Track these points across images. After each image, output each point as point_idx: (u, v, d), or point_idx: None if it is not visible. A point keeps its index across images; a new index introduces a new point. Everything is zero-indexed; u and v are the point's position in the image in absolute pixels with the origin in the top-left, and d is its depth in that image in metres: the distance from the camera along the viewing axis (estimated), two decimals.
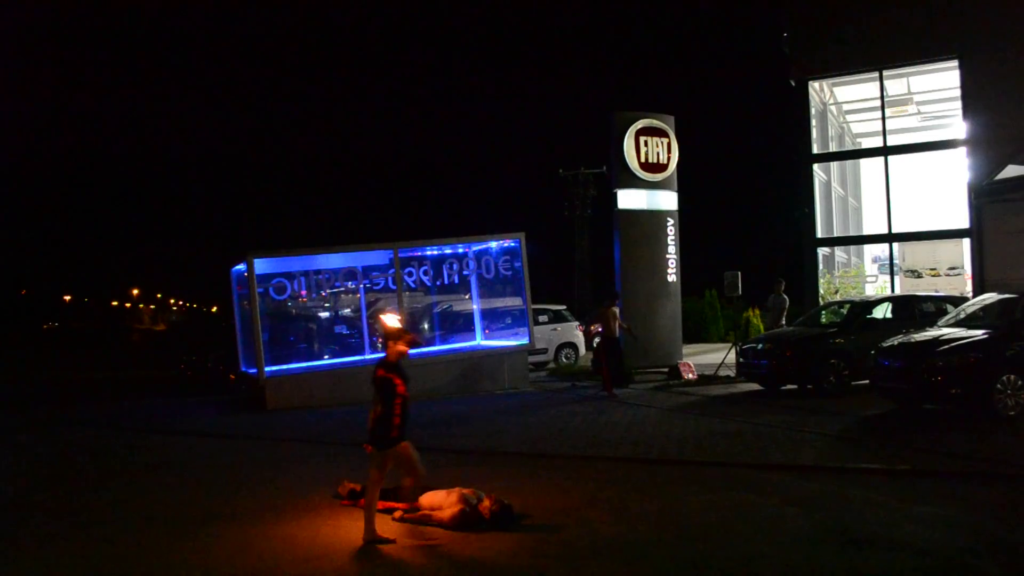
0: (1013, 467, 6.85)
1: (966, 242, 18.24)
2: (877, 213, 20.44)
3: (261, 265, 13.29)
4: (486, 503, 5.61)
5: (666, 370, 15.19)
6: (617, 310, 13.73)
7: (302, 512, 6.21)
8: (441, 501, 5.73)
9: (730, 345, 16.19)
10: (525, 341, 14.68)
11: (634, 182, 15.57)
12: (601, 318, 13.68)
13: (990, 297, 10.98)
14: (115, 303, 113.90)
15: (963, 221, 18.01)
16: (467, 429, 10.15)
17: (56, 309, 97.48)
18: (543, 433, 9.42)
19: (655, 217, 15.71)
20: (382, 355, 5.61)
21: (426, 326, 15.45)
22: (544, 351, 18.83)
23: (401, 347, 5.53)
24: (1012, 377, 8.98)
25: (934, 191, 20.02)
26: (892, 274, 19.51)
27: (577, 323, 20.79)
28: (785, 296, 15.61)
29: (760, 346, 12.71)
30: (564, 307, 21.52)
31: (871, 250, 21.96)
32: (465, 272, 14.63)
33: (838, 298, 18.38)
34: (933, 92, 20.71)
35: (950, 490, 6.21)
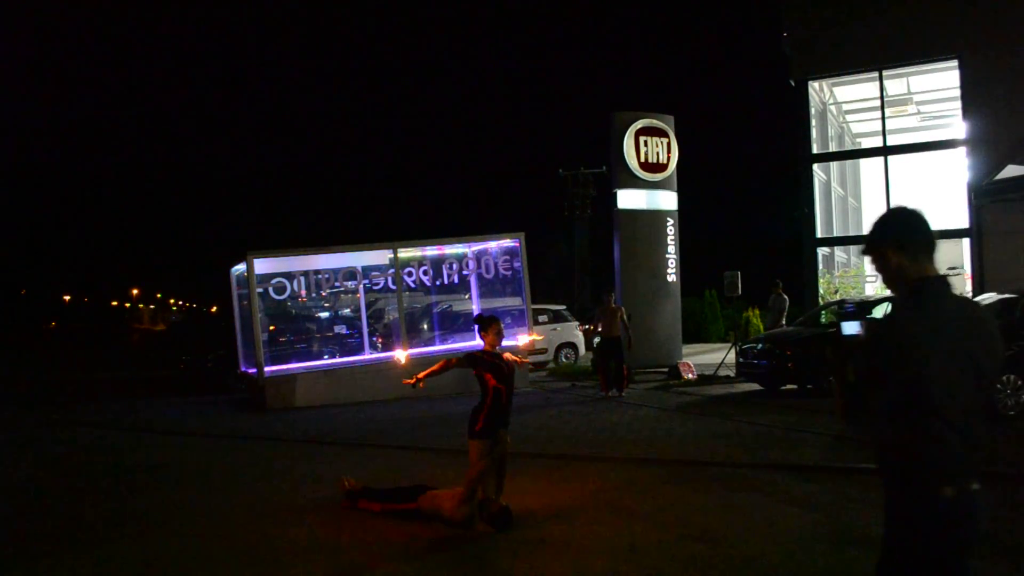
0: (1013, 467, 6.85)
1: (966, 242, 18.24)
2: (877, 213, 20.26)
3: (261, 265, 13.29)
4: (485, 504, 5.60)
5: (666, 370, 15.19)
6: (624, 309, 13.02)
7: (302, 512, 6.21)
8: (441, 501, 5.73)
9: (730, 345, 16.19)
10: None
11: (634, 182, 15.58)
12: (602, 316, 12.76)
13: (990, 297, 10.97)
14: (115, 303, 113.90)
15: (963, 221, 18.01)
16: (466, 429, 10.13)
17: (56, 309, 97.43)
18: (543, 433, 9.41)
19: (655, 217, 15.71)
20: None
21: (426, 326, 15.45)
22: (544, 351, 18.84)
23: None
24: (1012, 377, 8.99)
25: (934, 191, 20.00)
26: None
27: (577, 323, 20.80)
28: (785, 296, 15.62)
29: (760, 346, 12.71)
30: (564, 307, 21.54)
31: None
32: (465, 272, 14.62)
33: (838, 298, 18.39)
34: (933, 92, 20.71)
35: None
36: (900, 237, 2.41)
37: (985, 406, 2.36)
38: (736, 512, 5.77)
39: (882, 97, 19.52)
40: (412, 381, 5.79)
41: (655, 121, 15.85)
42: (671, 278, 15.73)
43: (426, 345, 14.71)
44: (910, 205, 2.49)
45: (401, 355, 6.16)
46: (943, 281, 2.38)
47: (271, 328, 13.74)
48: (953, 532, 2.28)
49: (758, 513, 5.70)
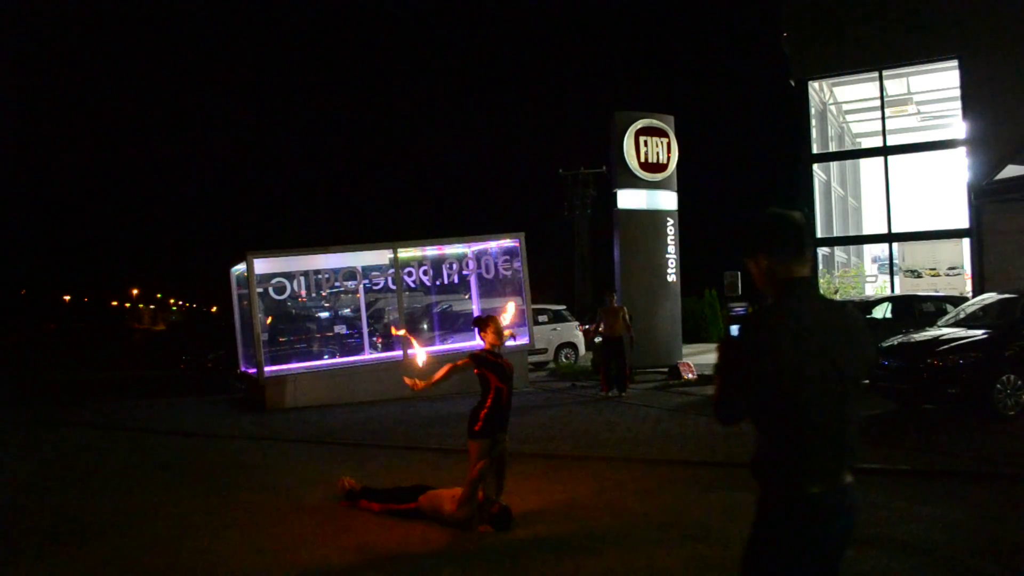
0: (1013, 467, 6.85)
1: (966, 242, 18.25)
2: (877, 213, 20.46)
3: (261, 265, 13.29)
4: (485, 504, 5.60)
5: (666, 370, 15.19)
6: (625, 309, 13.00)
7: (302, 512, 6.21)
8: (441, 501, 5.73)
9: None
10: (525, 341, 14.68)
11: (634, 182, 15.57)
12: (604, 316, 12.72)
13: (990, 297, 10.98)
14: (115, 303, 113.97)
15: (963, 221, 18.02)
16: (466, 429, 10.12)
17: (56, 309, 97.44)
18: (543, 433, 9.42)
19: (655, 217, 15.71)
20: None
21: (426, 326, 15.44)
22: (544, 351, 18.83)
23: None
24: (1012, 377, 8.99)
25: (934, 191, 20.04)
26: (892, 274, 19.52)
27: (577, 323, 20.80)
28: None
29: None
30: (564, 307, 21.54)
31: (871, 250, 22.00)
32: (465, 272, 14.61)
33: (838, 298, 18.39)
34: (933, 92, 20.73)
35: (950, 490, 6.21)
36: (768, 241, 2.41)
37: (851, 407, 2.35)
38: (736, 512, 5.76)
39: (882, 97, 19.53)
40: (412, 383, 5.79)
41: (655, 121, 15.85)
42: (671, 278, 15.73)
43: (426, 345, 14.70)
44: (783, 209, 2.51)
45: (421, 352, 6.10)
46: (809, 283, 2.40)
47: (268, 320, 13.70)
48: (822, 529, 2.31)
49: None
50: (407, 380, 5.87)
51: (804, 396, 2.27)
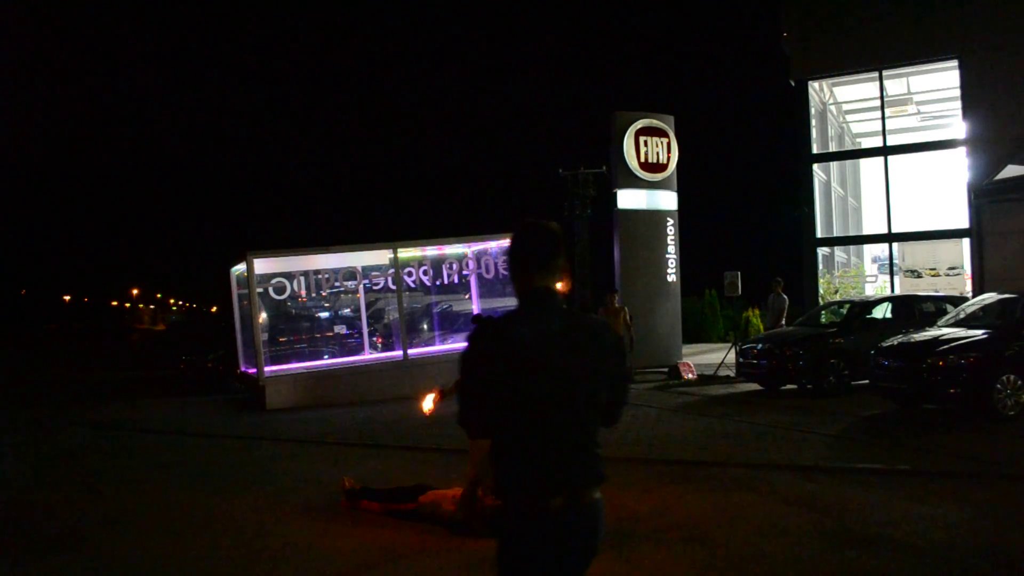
0: (1013, 467, 6.85)
1: (966, 242, 18.25)
2: (877, 213, 20.45)
3: (261, 265, 13.28)
4: (486, 503, 5.60)
5: (666, 370, 15.18)
6: (627, 309, 13.15)
7: (303, 513, 6.21)
8: (441, 501, 5.73)
9: (730, 345, 16.19)
10: None
11: (634, 182, 15.58)
12: (605, 316, 12.66)
13: (990, 297, 10.98)
14: (115, 303, 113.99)
15: (963, 221, 18.02)
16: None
17: (56, 309, 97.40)
18: None
19: (655, 217, 15.71)
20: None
21: (426, 326, 15.45)
22: None
23: None
24: (1012, 377, 8.98)
25: (934, 191, 20.03)
26: (892, 274, 19.52)
27: None
28: (785, 296, 15.61)
29: (760, 346, 12.70)
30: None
31: (871, 250, 21.98)
32: (465, 272, 14.62)
33: (838, 298, 18.39)
34: (933, 92, 20.72)
35: (950, 490, 6.21)
36: (511, 252, 2.42)
37: (590, 422, 2.33)
38: (736, 512, 5.77)
39: (882, 97, 19.53)
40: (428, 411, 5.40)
41: (655, 121, 15.85)
42: (671, 278, 15.73)
43: (426, 345, 14.72)
44: (536, 220, 2.45)
45: (429, 402, 5.77)
46: (550, 294, 2.35)
47: (270, 328, 13.70)
48: (562, 544, 2.25)
49: (758, 513, 5.70)
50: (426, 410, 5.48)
51: (525, 410, 2.25)
